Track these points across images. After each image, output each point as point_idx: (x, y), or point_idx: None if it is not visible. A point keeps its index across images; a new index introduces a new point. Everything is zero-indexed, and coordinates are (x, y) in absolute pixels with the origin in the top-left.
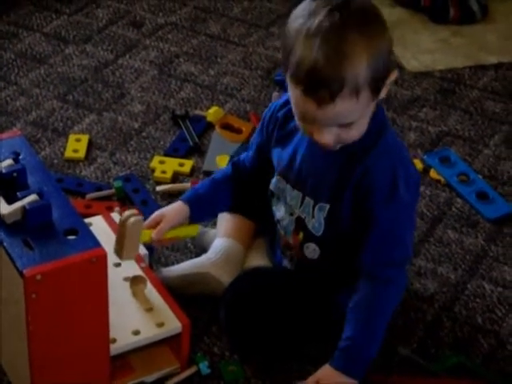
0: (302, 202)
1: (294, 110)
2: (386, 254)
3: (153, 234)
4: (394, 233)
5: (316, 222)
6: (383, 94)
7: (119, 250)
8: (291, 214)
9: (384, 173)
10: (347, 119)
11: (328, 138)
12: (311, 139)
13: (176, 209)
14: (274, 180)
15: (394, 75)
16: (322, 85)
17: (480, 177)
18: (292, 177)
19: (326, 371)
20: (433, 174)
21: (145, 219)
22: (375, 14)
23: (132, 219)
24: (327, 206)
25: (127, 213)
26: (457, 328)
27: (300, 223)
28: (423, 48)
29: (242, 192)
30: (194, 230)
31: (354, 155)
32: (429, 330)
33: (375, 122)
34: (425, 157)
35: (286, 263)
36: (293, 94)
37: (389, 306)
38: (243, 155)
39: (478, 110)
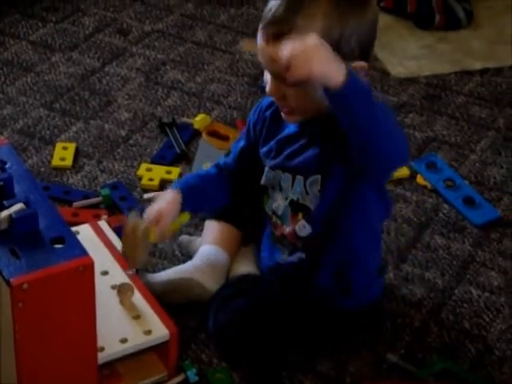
0: (292, 184)
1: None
2: None
3: (157, 233)
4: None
5: (312, 196)
6: None
7: (133, 260)
8: (286, 199)
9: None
10: None
11: (275, 90)
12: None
13: (171, 201)
14: (264, 174)
15: (360, 64)
16: (274, 22)
17: (467, 182)
18: (279, 162)
19: (309, 37)
20: (419, 179)
21: None
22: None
23: (142, 227)
24: (319, 177)
25: (132, 221)
26: (444, 333)
27: (294, 205)
28: (409, 54)
29: (227, 193)
30: (186, 216)
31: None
32: (416, 336)
33: None
34: (411, 163)
35: (281, 255)
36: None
37: (393, 122)
38: (222, 160)
39: (464, 116)
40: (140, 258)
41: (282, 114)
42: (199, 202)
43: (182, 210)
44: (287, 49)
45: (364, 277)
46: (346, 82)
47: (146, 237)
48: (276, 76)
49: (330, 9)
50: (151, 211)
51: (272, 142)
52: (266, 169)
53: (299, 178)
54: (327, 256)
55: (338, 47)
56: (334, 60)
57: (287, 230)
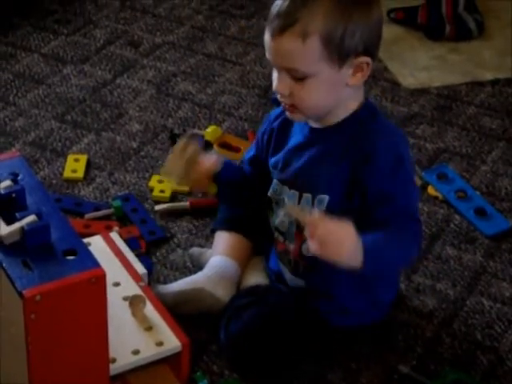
0: (299, 201)
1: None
2: (399, 217)
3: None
4: (407, 205)
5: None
6: (354, 78)
7: (171, 173)
8: (290, 216)
9: (387, 152)
10: (294, 63)
11: (281, 85)
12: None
13: (215, 158)
14: (271, 186)
15: (365, 59)
16: (278, 16)
17: (478, 193)
18: (287, 177)
19: (348, 227)
20: (431, 190)
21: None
22: None
23: (192, 148)
24: (326, 198)
25: (184, 139)
26: (456, 344)
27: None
28: (420, 65)
29: (238, 196)
30: (213, 188)
31: (349, 141)
32: (428, 347)
33: (364, 109)
34: (422, 173)
35: (284, 271)
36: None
37: (409, 243)
38: None
39: (475, 127)
40: (178, 174)
41: (287, 113)
42: (229, 178)
43: (216, 176)
44: (324, 226)
45: (364, 304)
46: (364, 262)
47: (193, 158)
48: (283, 70)
49: (334, 4)
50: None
51: (280, 154)
52: (274, 181)
53: (307, 195)
54: (328, 284)
55: (342, 41)
56: (359, 247)
57: (291, 246)
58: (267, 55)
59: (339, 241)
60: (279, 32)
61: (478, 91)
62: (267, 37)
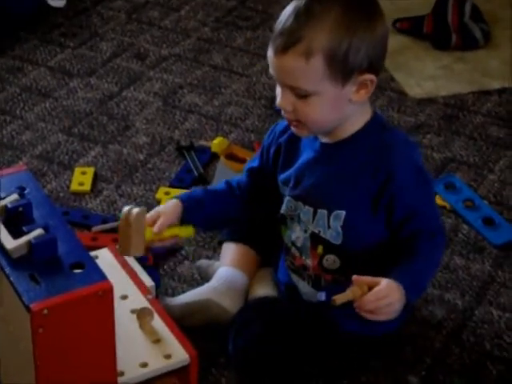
0: (313, 217)
1: None
2: (427, 230)
3: (153, 231)
4: (431, 215)
5: (333, 231)
6: (358, 95)
7: (126, 247)
8: (305, 231)
9: (407, 166)
10: (297, 82)
11: (285, 102)
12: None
13: (171, 206)
14: (284, 203)
15: (369, 77)
16: (281, 34)
17: (486, 202)
18: (301, 193)
19: (389, 285)
20: (438, 200)
21: None
22: (370, 9)
23: (135, 210)
24: (343, 213)
25: (127, 207)
26: (465, 355)
27: (315, 238)
28: (426, 74)
29: (231, 208)
30: (190, 230)
31: (364, 155)
32: (437, 358)
33: (374, 121)
34: None
35: (302, 286)
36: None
37: (437, 255)
38: (236, 178)
39: (482, 136)
40: (133, 245)
41: (292, 128)
42: (199, 214)
43: (184, 220)
44: (372, 297)
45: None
46: (408, 299)
47: (142, 225)
48: (286, 87)
49: (338, 21)
50: (151, 212)
51: (290, 170)
52: (288, 198)
53: (322, 211)
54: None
55: (346, 58)
56: (403, 295)
57: (308, 262)
58: (270, 70)
59: (389, 303)
60: (282, 50)
61: (484, 100)
62: (270, 53)
